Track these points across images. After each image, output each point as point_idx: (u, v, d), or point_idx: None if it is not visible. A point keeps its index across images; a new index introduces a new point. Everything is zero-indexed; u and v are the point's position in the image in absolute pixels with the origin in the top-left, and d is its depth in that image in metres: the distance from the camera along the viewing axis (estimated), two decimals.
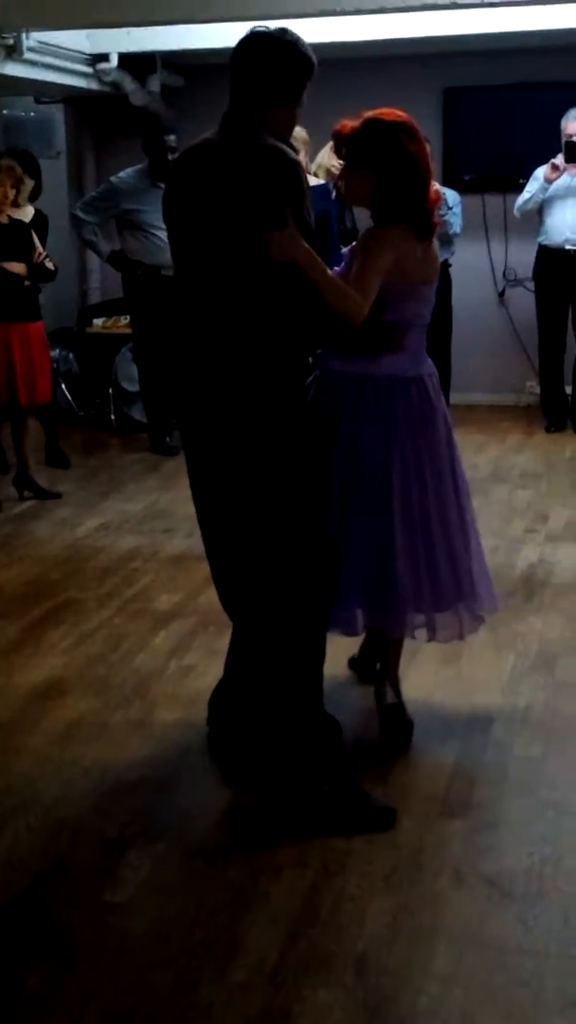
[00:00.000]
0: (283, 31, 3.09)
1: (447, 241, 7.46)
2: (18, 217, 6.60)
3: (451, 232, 7.46)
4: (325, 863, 2.89)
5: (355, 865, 2.88)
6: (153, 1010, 2.40)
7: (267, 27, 3.11)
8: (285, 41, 3.07)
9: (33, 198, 6.89)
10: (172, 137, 6.96)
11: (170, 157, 6.83)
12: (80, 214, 7.21)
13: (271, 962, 2.53)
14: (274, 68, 3.05)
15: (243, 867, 2.89)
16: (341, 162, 3.54)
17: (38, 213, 6.89)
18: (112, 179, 7.24)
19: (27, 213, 6.78)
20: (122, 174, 7.19)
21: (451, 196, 7.39)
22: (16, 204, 6.21)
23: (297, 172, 2.99)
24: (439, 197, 3.48)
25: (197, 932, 2.64)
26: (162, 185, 6.66)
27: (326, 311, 3.08)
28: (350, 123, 3.37)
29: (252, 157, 2.98)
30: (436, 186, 3.49)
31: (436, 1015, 2.37)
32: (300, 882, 2.81)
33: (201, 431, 3.17)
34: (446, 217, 7.23)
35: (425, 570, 3.40)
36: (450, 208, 7.37)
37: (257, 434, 3.05)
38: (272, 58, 3.05)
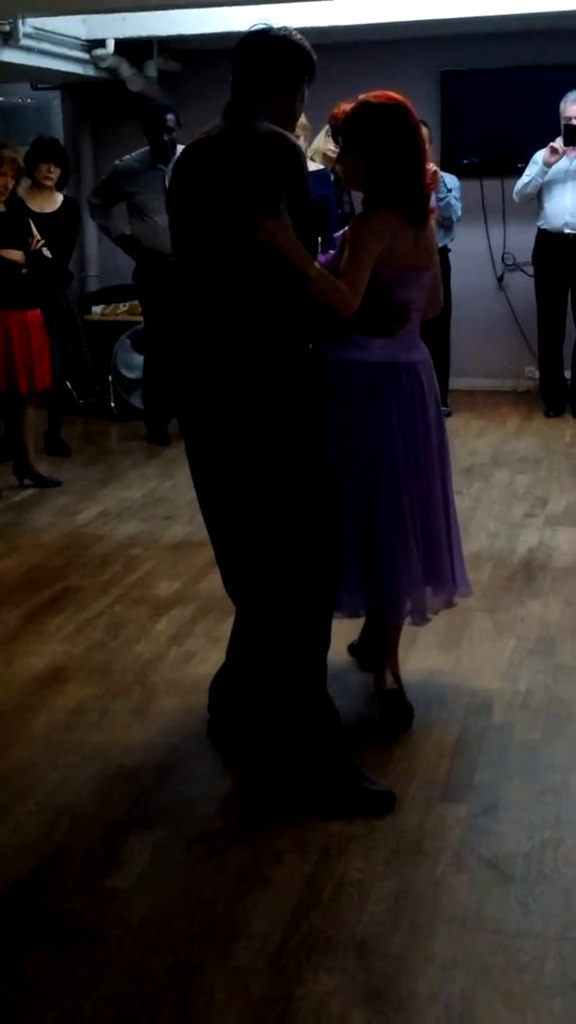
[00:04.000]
0: (283, 28, 3.14)
1: (448, 226, 7.40)
2: (45, 207, 6.63)
3: (453, 217, 7.36)
4: (326, 848, 2.90)
5: (356, 849, 2.89)
6: (154, 996, 2.40)
7: (269, 24, 3.14)
8: (281, 35, 3.11)
9: (61, 186, 6.89)
10: (171, 116, 6.90)
11: (166, 138, 6.81)
12: (91, 198, 7.27)
13: (272, 947, 2.53)
14: (270, 59, 3.08)
15: (244, 852, 2.89)
16: (337, 147, 3.54)
17: (67, 201, 6.88)
18: (116, 162, 7.23)
19: (55, 201, 6.78)
20: (126, 157, 7.17)
21: (450, 180, 7.32)
22: (15, 191, 6.19)
23: (297, 156, 3.00)
24: (435, 181, 3.47)
25: (198, 917, 2.65)
26: (161, 167, 6.73)
27: (316, 302, 3.07)
28: (345, 106, 3.36)
29: (252, 142, 2.99)
30: (432, 167, 3.47)
31: (437, 999, 2.38)
32: (301, 867, 2.82)
33: (203, 416, 3.16)
34: (446, 200, 7.15)
35: (417, 555, 3.41)
36: (449, 191, 7.26)
37: (259, 417, 3.05)
38: (268, 49, 3.09)
